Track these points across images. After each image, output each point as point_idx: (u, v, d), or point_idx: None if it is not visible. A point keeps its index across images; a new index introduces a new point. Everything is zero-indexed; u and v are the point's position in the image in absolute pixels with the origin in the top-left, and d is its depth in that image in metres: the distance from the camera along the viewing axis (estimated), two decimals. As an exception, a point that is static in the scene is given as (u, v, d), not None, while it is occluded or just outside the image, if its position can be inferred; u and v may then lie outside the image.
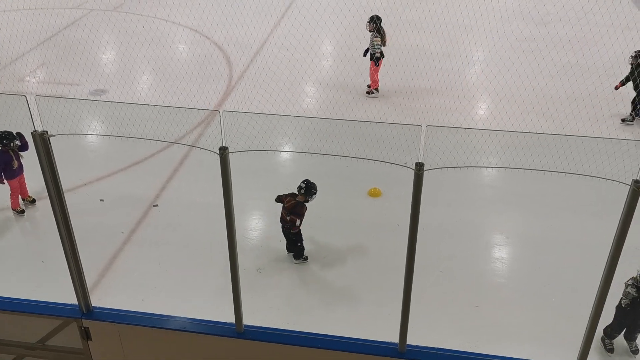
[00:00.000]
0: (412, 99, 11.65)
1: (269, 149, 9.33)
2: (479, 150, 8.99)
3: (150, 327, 6.12)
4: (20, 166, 8.47)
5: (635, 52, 10.96)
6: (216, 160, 5.10)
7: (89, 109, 11.00)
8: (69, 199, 5.70)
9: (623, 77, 11.10)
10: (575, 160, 7.87)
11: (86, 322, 6.21)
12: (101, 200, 8.99)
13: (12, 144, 8.25)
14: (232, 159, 5.27)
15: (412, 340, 6.02)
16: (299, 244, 7.75)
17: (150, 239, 8.26)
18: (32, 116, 5.30)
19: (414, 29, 15.10)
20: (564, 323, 6.79)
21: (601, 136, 9.67)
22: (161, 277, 7.58)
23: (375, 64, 11.89)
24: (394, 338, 6.05)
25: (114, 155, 10.12)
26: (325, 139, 9.59)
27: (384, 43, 11.81)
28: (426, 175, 4.92)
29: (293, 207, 7.49)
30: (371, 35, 11.77)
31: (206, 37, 14.99)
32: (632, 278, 6.42)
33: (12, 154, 8.32)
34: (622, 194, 4.79)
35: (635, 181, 4.74)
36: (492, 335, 6.80)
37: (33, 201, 8.84)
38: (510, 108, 11.21)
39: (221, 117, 5.29)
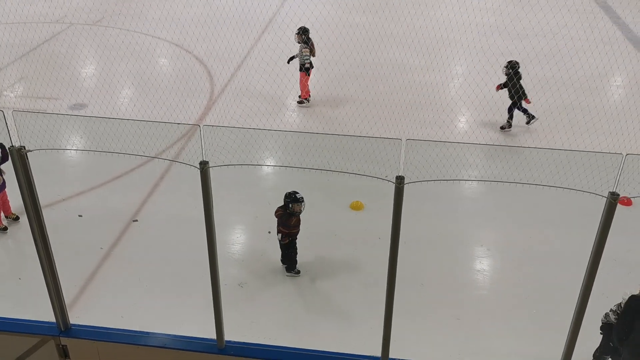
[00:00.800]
0: (393, 112, 11.73)
1: (250, 163, 9.32)
2: (459, 163, 9.07)
3: (129, 344, 6.03)
4: (3, 183, 8.33)
5: (507, 62, 11.29)
6: (197, 174, 5.08)
7: (68, 123, 10.91)
8: (47, 215, 5.63)
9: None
10: (552, 173, 7.99)
11: (64, 340, 6.10)
12: (80, 215, 8.89)
13: None
14: (214, 173, 5.25)
15: (394, 353, 6.02)
16: (281, 258, 7.73)
17: (130, 255, 8.17)
18: (10, 131, 5.23)
19: (392, 43, 15.26)
20: (545, 335, 6.83)
21: (578, 149, 9.82)
22: (141, 293, 7.49)
23: (306, 74, 12.23)
24: (377, 352, 6.05)
25: (94, 170, 10.02)
26: (307, 153, 9.60)
27: (313, 54, 12.18)
28: (407, 189, 4.94)
29: (279, 217, 7.48)
30: (300, 46, 12.12)
31: (187, 51, 14.97)
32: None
33: None
34: (601, 205, 4.86)
35: (612, 193, 4.81)
36: (474, 348, 6.82)
37: (16, 218, 8.69)
38: (488, 121, 11.35)
39: (201, 132, 5.28)
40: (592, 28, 14.64)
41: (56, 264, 5.88)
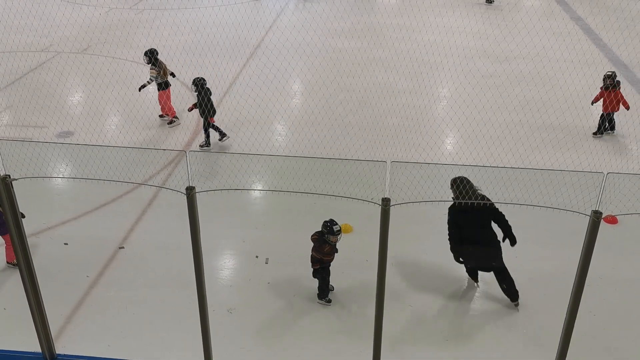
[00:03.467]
0: (380, 136, 11.84)
1: (236, 188, 9.32)
2: (444, 184, 9.09)
3: (117, 373, 5.97)
4: None
5: (194, 79, 11.64)
6: (185, 200, 5.10)
7: (55, 151, 10.88)
8: (33, 243, 5.60)
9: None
10: (536, 192, 8.07)
11: (50, 371, 6.03)
12: (65, 243, 8.81)
13: None
14: (202, 198, 5.26)
15: (384, 376, 6.00)
16: (319, 284, 7.67)
17: (117, 282, 8.10)
18: (-5, 160, 5.24)
19: (379, 67, 15.46)
20: (535, 354, 6.84)
21: (559, 168, 9.92)
22: (128, 321, 7.40)
23: (162, 91, 12.65)
24: (367, 375, 6.02)
25: (80, 198, 9.97)
26: (293, 177, 9.61)
27: (165, 73, 12.69)
28: (395, 211, 4.99)
29: (315, 242, 7.48)
30: (150, 67, 12.65)
31: (175, 77, 15.04)
32: None
33: None
34: (586, 224, 4.93)
35: (594, 212, 4.89)
36: (464, 369, 6.80)
37: None
38: (471, 143, 11.45)
39: (187, 157, 5.32)
40: (568, 50, 14.93)
41: (42, 293, 5.84)
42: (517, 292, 7.55)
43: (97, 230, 9.22)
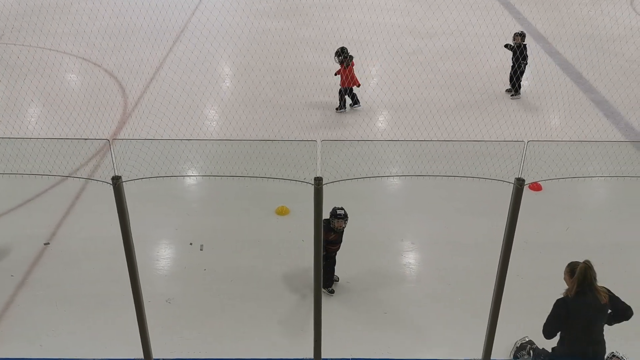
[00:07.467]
0: (311, 116, 11.84)
1: (164, 175, 9.12)
2: (373, 160, 9.24)
3: (51, 373, 5.78)
4: None
5: None
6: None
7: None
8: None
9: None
10: (462, 164, 8.33)
11: (-22, 377, 5.77)
12: (-14, 243, 8.39)
13: None
14: (134, 188, 5.10)
15: (326, 353, 6.07)
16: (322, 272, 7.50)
17: (46, 280, 7.79)
18: None
19: (307, 47, 15.39)
20: (470, 320, 7.08)
21: (483, 139, 10.23)
22: (60, 320, 7.14)
23: None
24: (309, 354, 6.08)
25: (1, 195, 9.49)
26: (224, 161, 9.50)
27: None
28: (329, 190, 5.00)
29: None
30: None
31: (96, 64, 14.47)
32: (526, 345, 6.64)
33: None
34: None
35: (517, 179, 5.08)
36: (402, 340, 6.96)
37: None
38: (399, 119, 11.62)
39: (111, 146, 5.14)
40: (493, 24, 15.36)
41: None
42: None
43: (21, 227, 8.81)
